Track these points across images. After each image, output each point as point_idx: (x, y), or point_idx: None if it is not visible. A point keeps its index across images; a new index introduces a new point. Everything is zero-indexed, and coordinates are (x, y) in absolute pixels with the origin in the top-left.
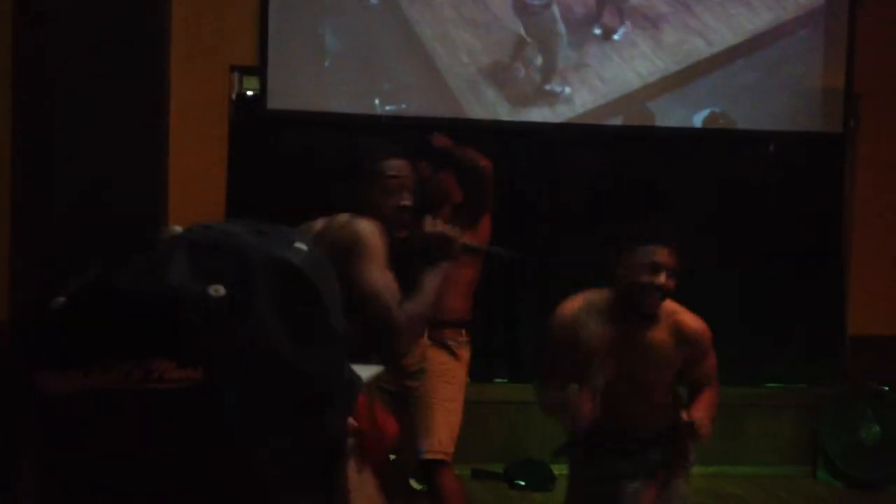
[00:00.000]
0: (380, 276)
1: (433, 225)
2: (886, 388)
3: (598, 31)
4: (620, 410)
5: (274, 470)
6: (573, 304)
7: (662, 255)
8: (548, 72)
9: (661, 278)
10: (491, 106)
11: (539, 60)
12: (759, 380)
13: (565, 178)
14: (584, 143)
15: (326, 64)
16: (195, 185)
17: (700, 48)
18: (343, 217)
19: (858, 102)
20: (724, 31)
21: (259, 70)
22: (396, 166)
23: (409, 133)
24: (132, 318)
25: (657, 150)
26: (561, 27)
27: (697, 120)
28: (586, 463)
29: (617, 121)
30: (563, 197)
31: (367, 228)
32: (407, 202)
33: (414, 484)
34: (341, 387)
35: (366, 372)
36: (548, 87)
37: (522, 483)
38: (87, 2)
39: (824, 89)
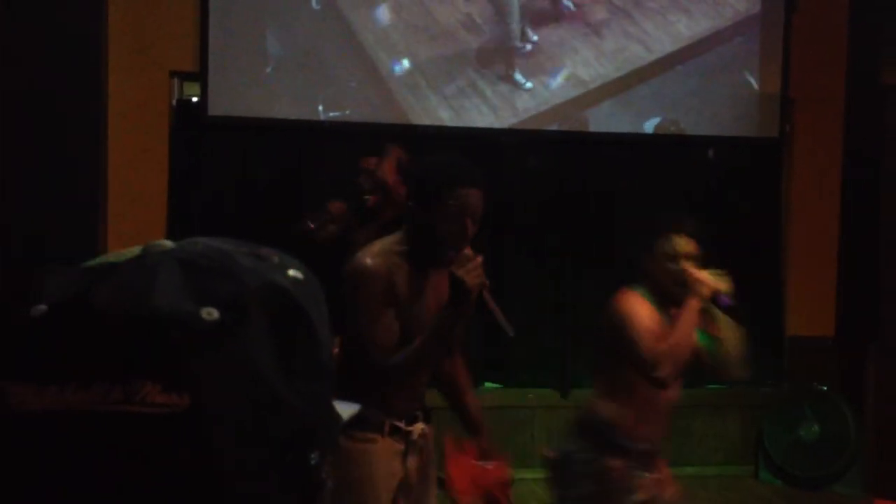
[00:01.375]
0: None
1: (467, 261)
2: (825, 388)
3: (539, 39)
4: None
5: None
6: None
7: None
8: (491, 77)
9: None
10: (434, 111)
11: (481, 66)
12: (702, 381)
13: (509, 183)
14: (528, 148)
15: (268, 69)
16: (136, 192)
17: (640, 55)
18: (366, 248)
19: (793, 107)
20: (664, 38)
21: (200, 76)
22: (474, 195)
23: (357, 138)
24: (116, 336)
25: (599, 156)
26: (509, 32)
27: (648, 126)
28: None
29: (559, 126)
30: (507, 202)
31: (361, 267)
32: (473, 230)
33: None
34: (326, 424)
35: (346, 411)
36: (490, 93)
37: None
38: (23, 9)
39: (761, 94)
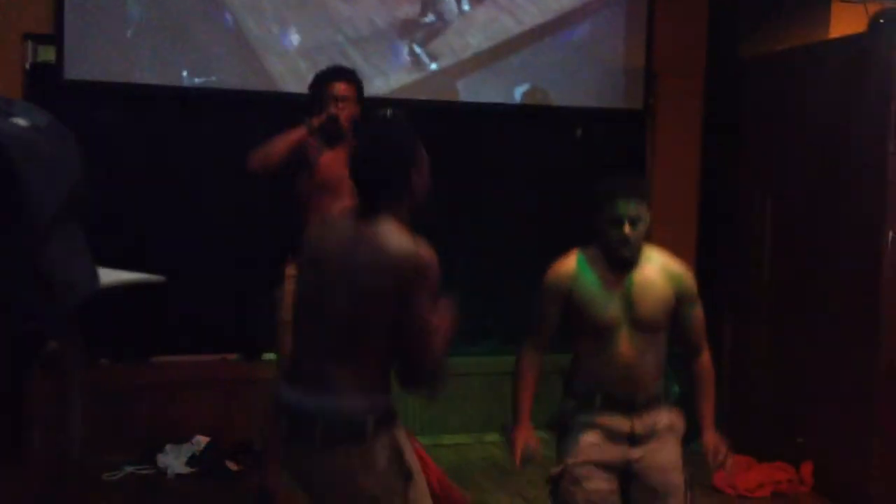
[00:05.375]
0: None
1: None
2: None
3: (412, 10)
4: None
5: None
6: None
7: (626, 207)
8: (361, 47)
9: (626, 229)
10: (305, 80)
11: (352, 35)
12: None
13: None
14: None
15: (129, 33)
16: None
17: (510, 26)
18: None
19: (657, 81)
20: (533, 9)
21: (55, 38)
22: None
23: (224, 106)
24: None
25: (469, 126)
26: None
27: (516, 94)
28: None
29: (429, 96)
30: None
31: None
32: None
33: None
34: (39, 283)
35: (112, 276)
36: (361, 62)
37: None
38: None
39: (626, 67)
